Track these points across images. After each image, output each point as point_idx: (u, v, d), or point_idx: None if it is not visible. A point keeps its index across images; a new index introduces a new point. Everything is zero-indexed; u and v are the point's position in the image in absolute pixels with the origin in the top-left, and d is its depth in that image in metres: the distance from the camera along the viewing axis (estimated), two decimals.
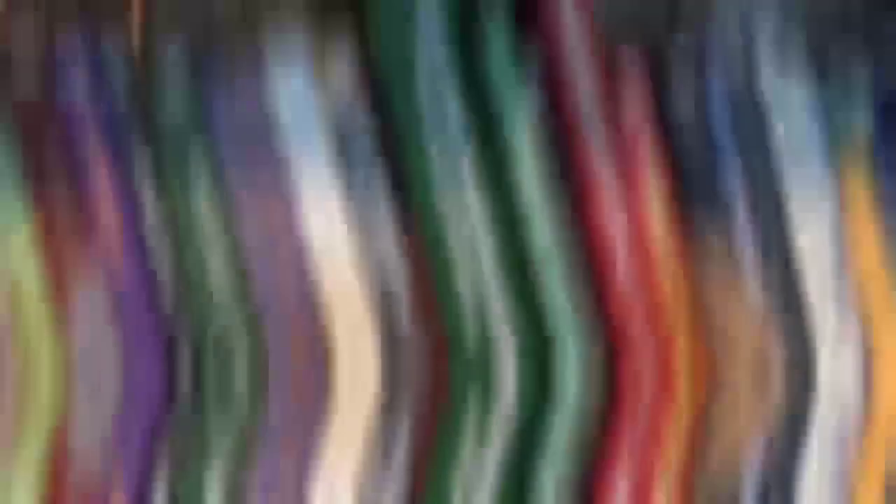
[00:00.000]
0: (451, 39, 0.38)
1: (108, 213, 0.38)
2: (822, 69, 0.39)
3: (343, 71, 0.39)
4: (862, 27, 0.40)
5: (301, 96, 0.38)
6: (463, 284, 0.38)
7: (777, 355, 0.39)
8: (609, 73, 0.39)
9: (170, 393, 0.38)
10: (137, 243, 0.38)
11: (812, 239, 0.39)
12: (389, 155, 0.39)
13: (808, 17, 0.39)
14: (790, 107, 0.39)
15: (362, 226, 0.39)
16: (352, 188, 0.39)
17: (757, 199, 0.39)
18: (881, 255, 0.40)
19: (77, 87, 0.38)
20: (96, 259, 0.38)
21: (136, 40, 0.38)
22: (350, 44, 0.39)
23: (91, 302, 0.38)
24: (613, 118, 0.39)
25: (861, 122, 0.39)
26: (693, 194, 0.39)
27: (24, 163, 0.39)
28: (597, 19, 0.38)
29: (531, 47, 0.39)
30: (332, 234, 0.38)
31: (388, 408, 0.38)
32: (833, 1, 0.39)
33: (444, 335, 0.39)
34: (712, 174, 0.39)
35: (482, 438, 0.38)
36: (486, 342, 0.38)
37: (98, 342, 0.38)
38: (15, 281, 0.39)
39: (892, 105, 0.39)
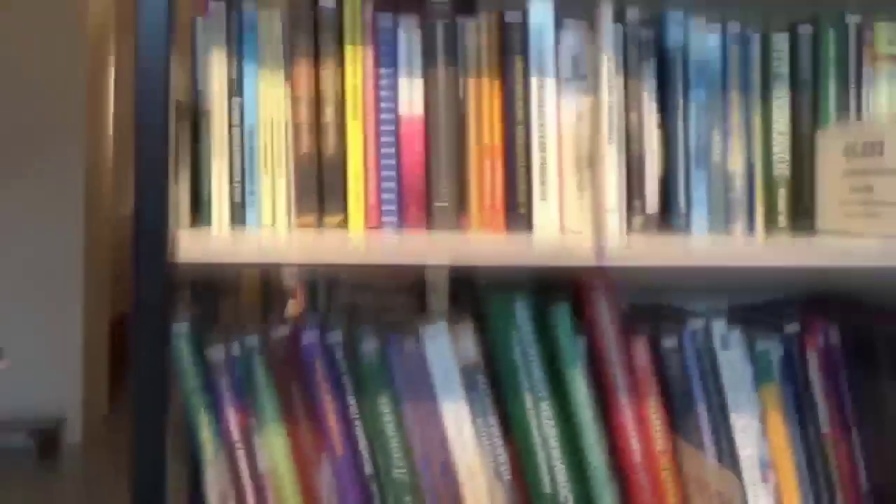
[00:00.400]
0: (534, 322, 0.65)
1: (332, 423, 0.64)
2: (751, 342, 0.66)
3: (468, 341, 0.65)
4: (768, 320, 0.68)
5: (445, 356, 0.65)
6: (541, 466, 0.65)
7: (728, 492, 0.66)
8: (627, 342, 0.66)
9: None
10: (350, 442, 0.64)
11: (745, 432, 0.67)
12: (497, 390, 0.65)
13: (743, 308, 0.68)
14: (732, 360, 0.66)
15: (481, 431, 0.65)
16: (474, 408, 0.65)
17: (713, 412, 0.67)
18: (786, 437, 0.67)
19: (313, 350, 0.64)
20: (325, 452, 0.64)
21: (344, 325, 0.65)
22: (474, 326, 0.66)
23: (322, 478, 0.64)
24: (630, 367, 0.66)
25: (774, 369, 0.67)
26: (676, 410, 0.66)
27: (277, 391, 0.65)
28: (619, 313, 0.65)
29: (582, 326, 0.66)
30: (463, 435, 0.65)
31: None
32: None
33: (530, 494, 0.65)
34: (688, 398, 0.66)
35: None
36: (556, 499, 0.65)
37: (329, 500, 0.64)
38: (272, 465, 0.64)
39: (790, 360, 0.67)
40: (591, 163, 0.68)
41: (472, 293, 0.78)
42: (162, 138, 0.53)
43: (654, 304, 0.76)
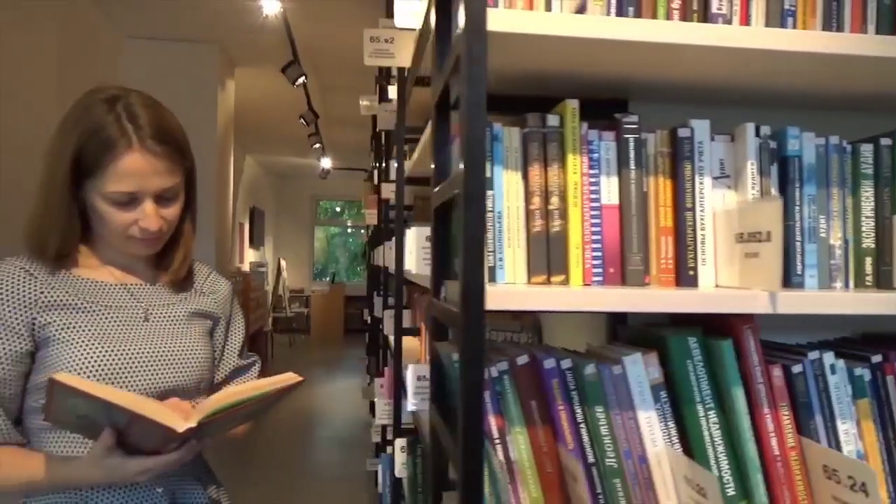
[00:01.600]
0: (703, 353, 0.91)
1: (565, 425, 0.90)
2: (850, 368, 0.93)
3: (654, 366, 0.92)
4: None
5: (640, 377, 0.91)
6: (710, 457, 0.91)
7: (860, 477, 0.93)
8: (767, 368, 0.92)
9: None
10: (577, 439, 0.90)
11: (847, 433, 0.93)
12: (674, 402, 0.91)
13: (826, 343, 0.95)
14: (838, 382, 0.93)
15: (665, 431, 0.91)
16: (660, 415, 0.91)
17: (826, 419, 0.93)
18: (875, 437, 0.94)
19: (553, 373, 0.90)
20: (560, 445, 0.90)
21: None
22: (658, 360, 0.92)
23: (555, 464, 0.90)
24: (770, 386, 0.92)
25: (866, 388, 0.94)
26: (801, 417, 0.93)
27: (521, 401, 0.90)
28: (760, 346, 0.92)
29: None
30: (654, 434, 0.91)
31: None
32: None
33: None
34: (809, 409, 0.93)
35: None
36: (720, 482, 0.91)
37: (566, 481, 0.90)
38: (518, 455, 0.90)
39: (876, 382, 0.94)
40: (745, 238, 0.95)
41: (623, 332, 1.05)
42: (480, 221, 0.78)
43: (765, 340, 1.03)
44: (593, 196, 0.94)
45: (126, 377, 1.03)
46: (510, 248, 0.93)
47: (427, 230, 1.51)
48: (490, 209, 0.93)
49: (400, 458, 2.06)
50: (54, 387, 0.85)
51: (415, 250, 1.53)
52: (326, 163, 9.04)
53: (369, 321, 6.98)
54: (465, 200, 0.78)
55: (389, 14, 3.21)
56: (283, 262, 11.17)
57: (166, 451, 0.95)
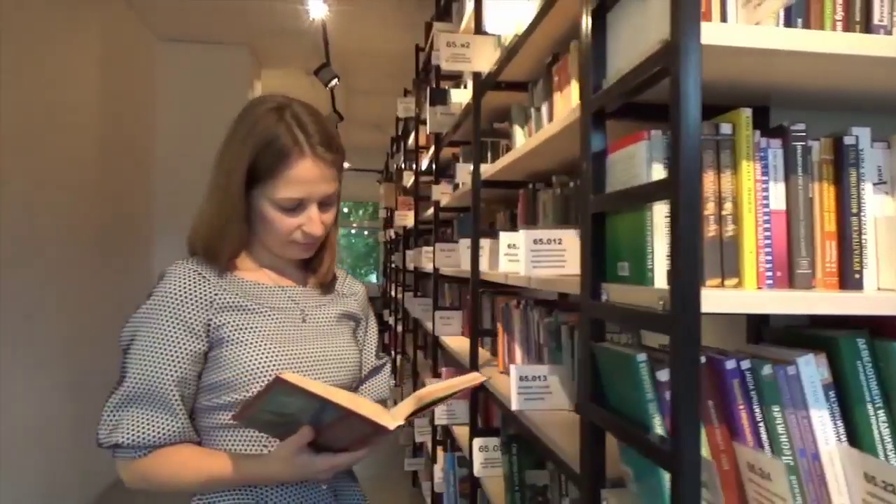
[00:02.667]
0: (871, 354, 0.95)
1: (744, 422, 0.93)
2: None
3: (823, 367, 0.95)
4: None
5: (812, 377, 0.94)
6: (879, 453, 0.94)
7: None
8: None
9: None
10: (756, 436, 0.93)
11: None
12: (843, 401, 0.95)
13: None
14: None
15: (836, 435, 0.94)
16: (830, 413, 0.94)
17: None
18: None
19: (734, 373, 0.93)
20: (738, 441, 0.93)
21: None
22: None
23: (731, 459, 0.93)
24: None
25: None
26: None
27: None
28: None
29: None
30: (826, 432, 0.94)
31: None
32: None
33: None
34: None
35: None
36: None
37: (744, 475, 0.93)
38: None
39: None
40: None
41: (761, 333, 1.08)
42: (695, 228, 0.81)
43: None
44: (764, 202, 0.98)
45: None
46: None
47: (512, 234, 1.55)
48: (666, 214, 0.95)
49: (479, 458, 2.09)
50: (276, 385, 0.87)
51: (522, 253, 1.55)
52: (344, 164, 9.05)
53: (390, 322, 7.02)
54: (682, 208, 0.81)
55: (441, 17, 3.25)
56: None
57: (353, 449, 0.98)
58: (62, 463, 3.50)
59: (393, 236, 7.63)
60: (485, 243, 2.40)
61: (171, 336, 1.02)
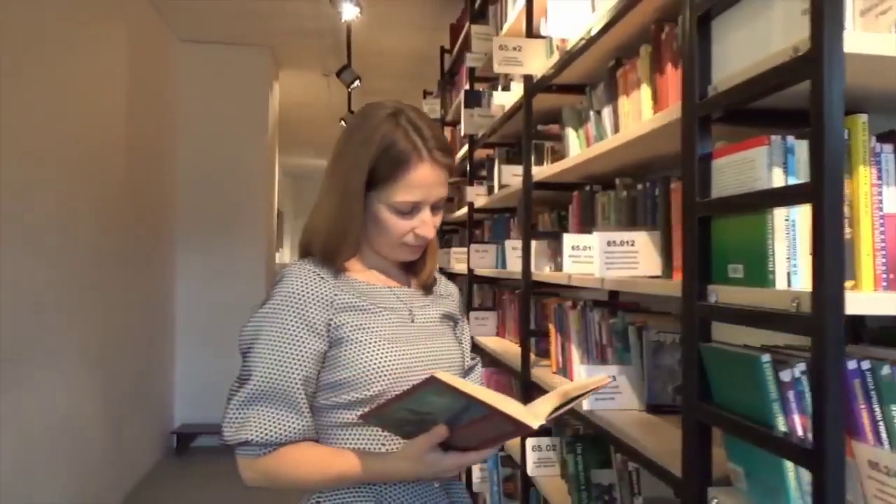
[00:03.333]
0: None
1: (865, 421, 0.95)
2: None
3: None
4: None
5: None
6: None
7: None
8: None
9: None
10: (877, 434, 0.95)
11: None
12: None
13: None
14: None
15: None
16: None
17: None
18: None
19: (855, 374, 0.95)
20: (858, 439, 0.95)
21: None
22: None
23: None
24: None
25: None
26: None
27: None
28: None
29: None
30: None
31: None
32: None
33: None
34: None
35: None
36: None
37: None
38: None
39: None
40: None
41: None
42: (840, 232, 0.83)
43: None
44: (879, 205, 1.00)
45: (411, 377, 1.07)
46: (804, 255, 0.98)
47: (582, 237, 1.57)
48: (786, 217, 0.98)
49: (532, 458, 2.11)
50: (428, 384, 0.89)
51: (596, 254, 1.57)
52: None
53: None
54: (827, 212, 0.83)
55: (475, 20, 3.26)
56: None
57: (479, 448, 0.99)
58: (95, 461, 3.52)
59: None
60: (531, 244, 2.43)
61: (296, 335, 1.04)
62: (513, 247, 2.45)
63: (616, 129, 1.78)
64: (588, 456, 1.81)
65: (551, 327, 2.20)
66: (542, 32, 2.27)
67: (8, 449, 2.64)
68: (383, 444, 1.07)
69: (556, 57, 2.02)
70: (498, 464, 2.61)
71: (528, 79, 2.23)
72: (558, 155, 2.32)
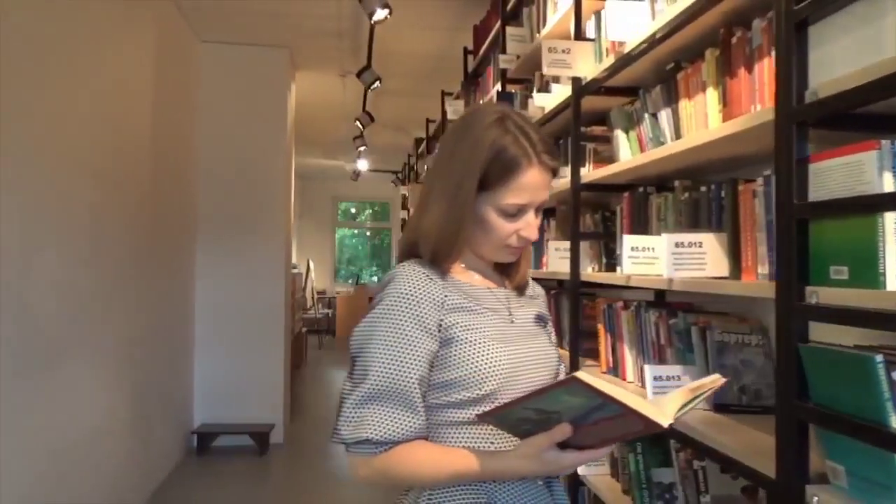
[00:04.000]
0: None
1: None
2: None
3: None
4: None
5: None
6: None
7: None
8: None
9: None
10: None
11: None
12: None
13: None
14: None
15: None
16: None
17: None
18: None
19: None
20: None
21: None
22: None
23: None
24: None
25: None
26: None
27: None
28: None
29: None
30: None
31: None
32: None
33: None
34: None
35: None
36: None
37: None
38: None
39: None
40: None
41: None
42: None
43: None
44: None
45: (518, 377, 1.09)
46: None
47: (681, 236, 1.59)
48: None
49: None
50: (568, 384, 0.91)
51: (664, 256, 1.59)
52: (363, 165, 9.08)
53: None
54: None
55: (507, 21, 3.28)
56: (311, 264, 11.21)
57: (597, 447, 1.01)
58: (123, 461, 3.52)
59: None
60: (566, 244, 2.45)
61: (411, 336, 1.05)
62: (556, 248, 2.47)
63: (676, 131, 1.80)
64: (648, 455, 1.83)
65: (600, 327, 2.23)
66: (589, 35, 2.29)
67: (48, 450, 2.65)
68: (491, 443, 1.08)
69: (606, 60, 2.04)
70: None
71: (576, 81, 2.25)
72: (602, 156, 2.34)
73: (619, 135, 2.13)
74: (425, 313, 1.07)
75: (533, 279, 1.33)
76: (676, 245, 1.60)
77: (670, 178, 1.91)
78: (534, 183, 1.09)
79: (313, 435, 5.55)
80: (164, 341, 4.37)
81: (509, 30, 3.05)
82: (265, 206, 5.22)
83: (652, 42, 1.76)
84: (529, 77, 3.16)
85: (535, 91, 2.96)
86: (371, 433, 1.03)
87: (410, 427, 1.05)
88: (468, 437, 1.08)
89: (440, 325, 1.07)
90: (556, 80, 2.73)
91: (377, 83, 4.92)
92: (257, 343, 5.17)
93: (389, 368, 1.04)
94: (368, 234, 13.94)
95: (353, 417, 1.05)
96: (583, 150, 2.50)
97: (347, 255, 13.72)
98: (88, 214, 3.06)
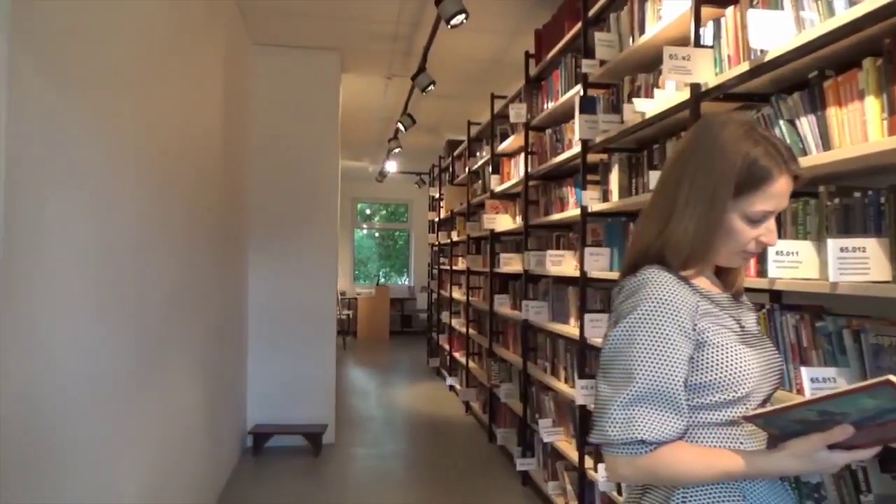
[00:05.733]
0: None
1: None
2: None
3: None
4: None
5: None
6: None
7: None
8: None
9: None
10: None
11: None
12: None
13: None
14: None
15: None
16: None
17: None
18: None
19: None
20: None
21: None
22: None
23: None
24: None
25: None
26: None
27: None
28: None
29: None
30: None
31: None
32: None
33: None
34: None
35: None
36: None
37: None
38: None
39: None
40: None
41: None
42: None
43: None
44: None
45: (766, 379, 1.13)
46: None
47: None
48: None
49: None
50: (881, 387, 0.94)
51: (831, 260, 1.63)
52: (392, 166, 9.11)
53: (453, 323, 7.06)
54: None
55: (589, 25, 3.31)
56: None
57: (866, 447, 1.04)
58: (200, 457, 3.54)
59: (449, 240, 7.69)
60: None
61: (673, 340, 1.09)
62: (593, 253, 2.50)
63: (823, 138, 1.83)
64: None
65: None
66: (706, 42, 2.33)
67: (155, 449, 2.67)
68: (741, 444, 1.12)
69: (740, 66, 2.08)
70: None
71: (695, 86, 2.29)
72: None
73: None
74: (684, 318, 1.10)
75: None
76: (841, 250, 1.63)
77: (810, 183, 1.94)
78: (782, 191, 1.13)
79: (360, 436, 5.59)
80: (227, 342, 4.40)
81: (599, 35, 3.08)
82: (315, 207, 5.25)
83: (802, 51, 1.80)
84: (614, 82, 3.19)
85: (626, 96, 2.99)
86: (645, 434, 1.06)
87: (677, 428, 1.08)
88: (719, 438, 1.12)
89: (695, 329, 1.11)
90: (655, 85, 2.77)
91: (431, 86, 4.95)
92: (308, 343, 5.21)
93: (656, 372, 1.08)
94: (377, 235, 13.94)
95: (621, 419, 1.08)
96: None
97: (359, 257, 13.74)
98: (183, 216, 3.09)
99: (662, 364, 1.08)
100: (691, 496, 1.11)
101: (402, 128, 6.35)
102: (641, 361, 1.09)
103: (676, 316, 1.10)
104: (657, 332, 1.09)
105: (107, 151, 2.13)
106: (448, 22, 3.60)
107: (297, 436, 5.01)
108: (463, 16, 3.59)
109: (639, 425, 1.07)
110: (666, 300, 1.11)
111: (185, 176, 3.16)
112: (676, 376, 1.08)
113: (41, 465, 1.70)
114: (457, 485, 4.44)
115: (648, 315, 1.10)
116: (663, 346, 1.09)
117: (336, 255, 5.47)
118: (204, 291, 3.56)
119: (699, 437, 1.12)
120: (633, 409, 1.08)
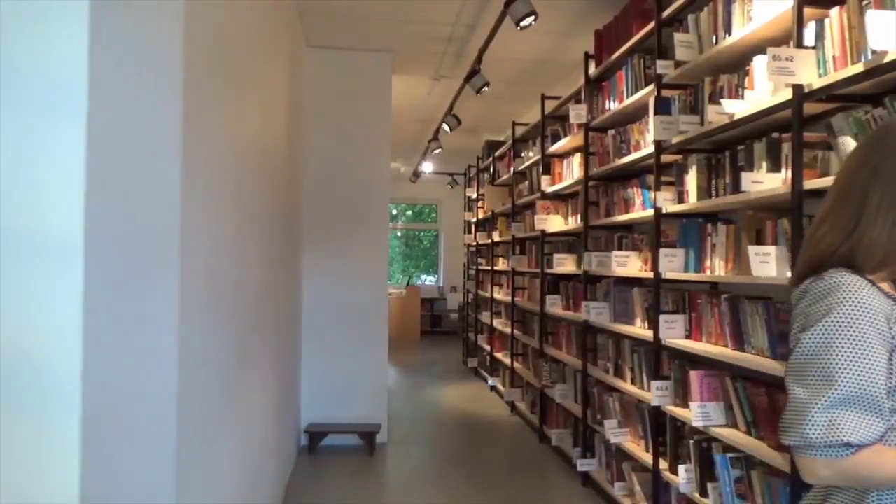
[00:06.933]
0: None
1: None
2: None
3: None
4: None
5: None
6: None
7: None
8: None
9: None
10: None
11: None
12: None
13: None
14: None
15: None
16: None
17: None
18: None
19: None
20: None
21: None
22: None
23: None
24: None
25: None
26: None
27: None
28: None
29: None
30: None
31: None
32: None
33: None
34: None
35: None
36: None
37: None
38: None
39: None
40: None
41: None
42: None
43: None
44: None
45: None
46: None
47: None
48: None
49: None
50: None
51: None
52: (428, 167, 9.14)
53: (495, 324, 7.06)
54: None
55: (663, 25, 3.31)
56: None
57: None
58: (270, 453, 3.58)
59: (489, 240, 7.70)
60: (770, 250, 2.48)
61: (874, 345, 1.10)
62: (756, 252, 2.50)
63: None
64: None
65: None
66: (808, 43, 2.33)
67: (244, 449, 2.71)
68: None
69: (853, 66, 2.07)
70: (728, 465, 2.66)
71: (797, 87, 2.29)
72: (810, 163, 2.37)
73: (849, 142, 2.16)
74: (881, 322, 1.11)
75: None
76: None
77: None
78: None
79: (410, 435, 5.61)
80: (289, 340, 4.44)
81: (678, 36, 3.08)
82: (367, 207, 5.30)
83: None
84: (691, 83, 3.18)
85: (707, 97, 2.99)
86: (850, 437, 1.07)
87: (879, 431, 1.09)
88: None
89: (890, 332, 1.11)
90: (740, 86, 2.77)
91: (486, 87, 4.97)
92: (360, 343, 5.25)
93: (859, 375, 1.08)
94: (399, 234, 13.95)
95: (822, 422, 1.08)
96: (778, 155, 2.54)
97: (402, 256, 13.78)
98: (266, 217, 3.13)
99: (864, 367, 1.09)
100: (886, 498, 1.12)
101: (446, 128, 6.37)
102: (842, 365, 1.09)
103: (875, 319, 1.11)
104: (857, 335, 1.10)
105: (238, 156, 2.17)
106: (518, 24, 3.61)
107: (349, 435, 5.05)
108: (532, 17, 3.60)
109: (842, 428, 1.07)
110: (864, 303, 1.11)
111: (265, 178, 3.19)
112: (878, 379, 1.09)
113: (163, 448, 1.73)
114: (514, 485, 4.45)
115: (847, 318, 1.11)
116: (864, 349, 1.09)
117: (387, 255, 5.50)
118: (276, 291, 3.59)
119: (893, 441, 1.13)
120: (836, 412, 1.08)
